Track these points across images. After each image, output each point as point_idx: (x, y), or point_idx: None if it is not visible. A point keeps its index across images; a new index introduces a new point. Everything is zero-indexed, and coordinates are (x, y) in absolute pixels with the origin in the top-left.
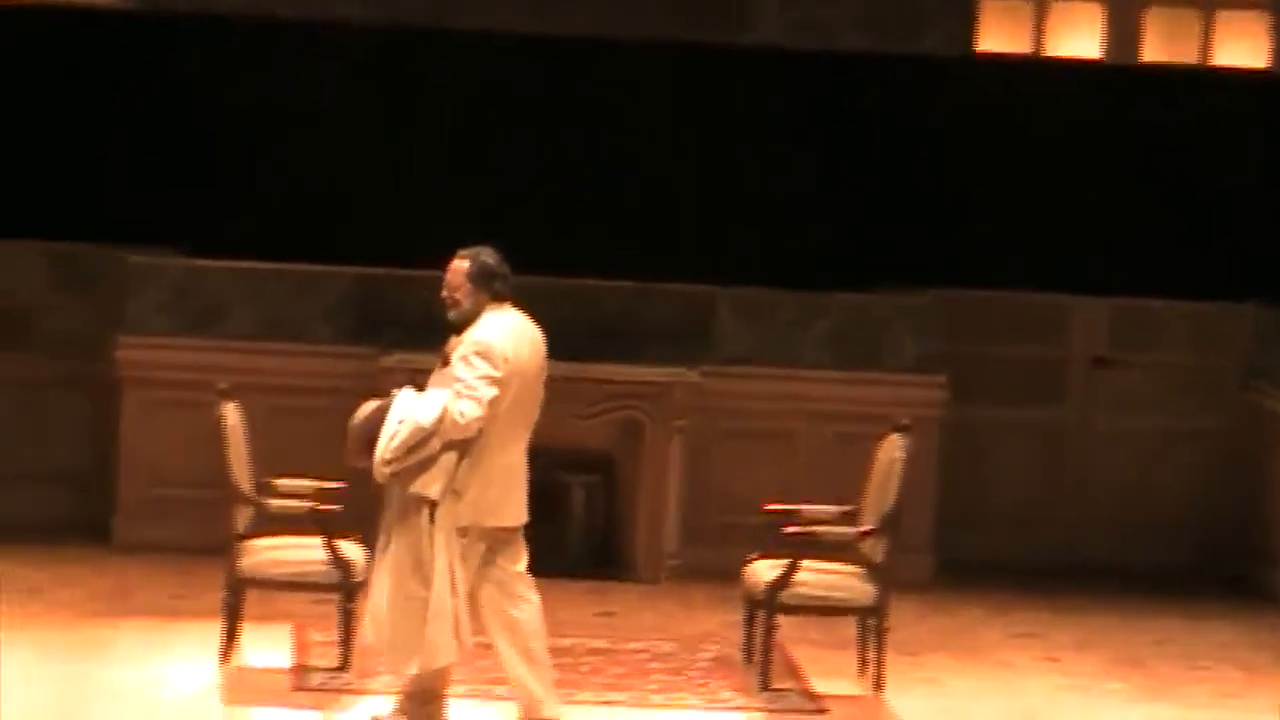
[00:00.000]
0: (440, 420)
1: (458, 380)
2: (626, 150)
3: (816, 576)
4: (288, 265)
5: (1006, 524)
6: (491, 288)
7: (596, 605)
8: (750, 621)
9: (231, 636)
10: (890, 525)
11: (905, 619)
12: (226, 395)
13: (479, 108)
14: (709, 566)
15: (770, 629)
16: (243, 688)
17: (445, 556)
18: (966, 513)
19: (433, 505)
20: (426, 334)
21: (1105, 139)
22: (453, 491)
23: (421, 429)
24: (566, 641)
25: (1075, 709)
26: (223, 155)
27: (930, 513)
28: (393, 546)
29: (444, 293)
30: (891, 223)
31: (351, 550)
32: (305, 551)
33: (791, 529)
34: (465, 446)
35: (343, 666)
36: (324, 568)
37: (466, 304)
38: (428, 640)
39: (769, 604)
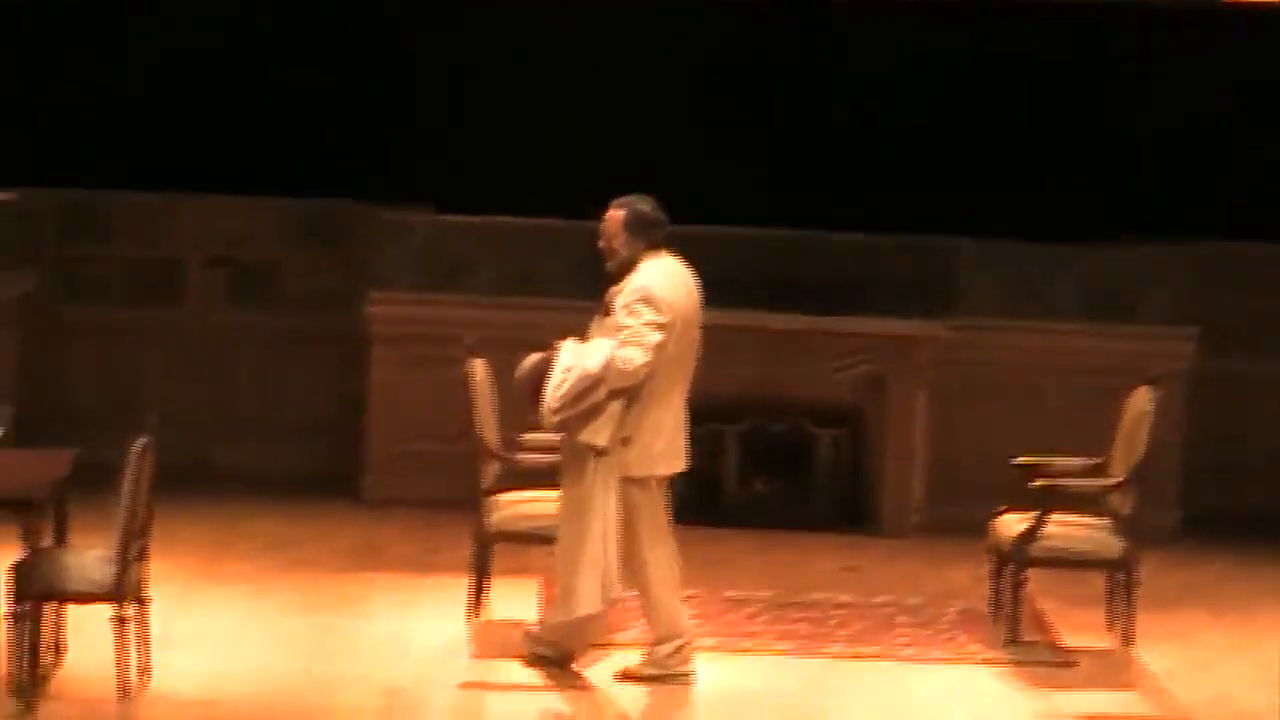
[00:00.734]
0: (607, 368)
1: (622, 328)
2: (874, 103)
3: (1064, 530)
4: (532, 221)
5: (1257, 477)
6: (648, 235)
7: (843, 559)
8: (998, 575)
9: (480, 591)
10: (1139, 478)
11: (1153, 572)
12: (474, 351)
13: (724, 62)
14: (955, 520)
15: (1018, 583)
16: (491, 641)
17: (602, 507)
18: (1216, 466)
19: (600, 453)
20: None
21: None
22: (621, 440)
23: (589, 375)
24: (813, 596)
25: None
26: (469, 114)
27: (1179, 466)
28: (565, 493)
29: (601, 243)
30: (1142, 173)
31: None
32: (553, 505)
33: (1039, 482)
34: (632, 394)
35: None
36: None
37: (624, 253)
38: (576, 589)
39: (1017, 557)
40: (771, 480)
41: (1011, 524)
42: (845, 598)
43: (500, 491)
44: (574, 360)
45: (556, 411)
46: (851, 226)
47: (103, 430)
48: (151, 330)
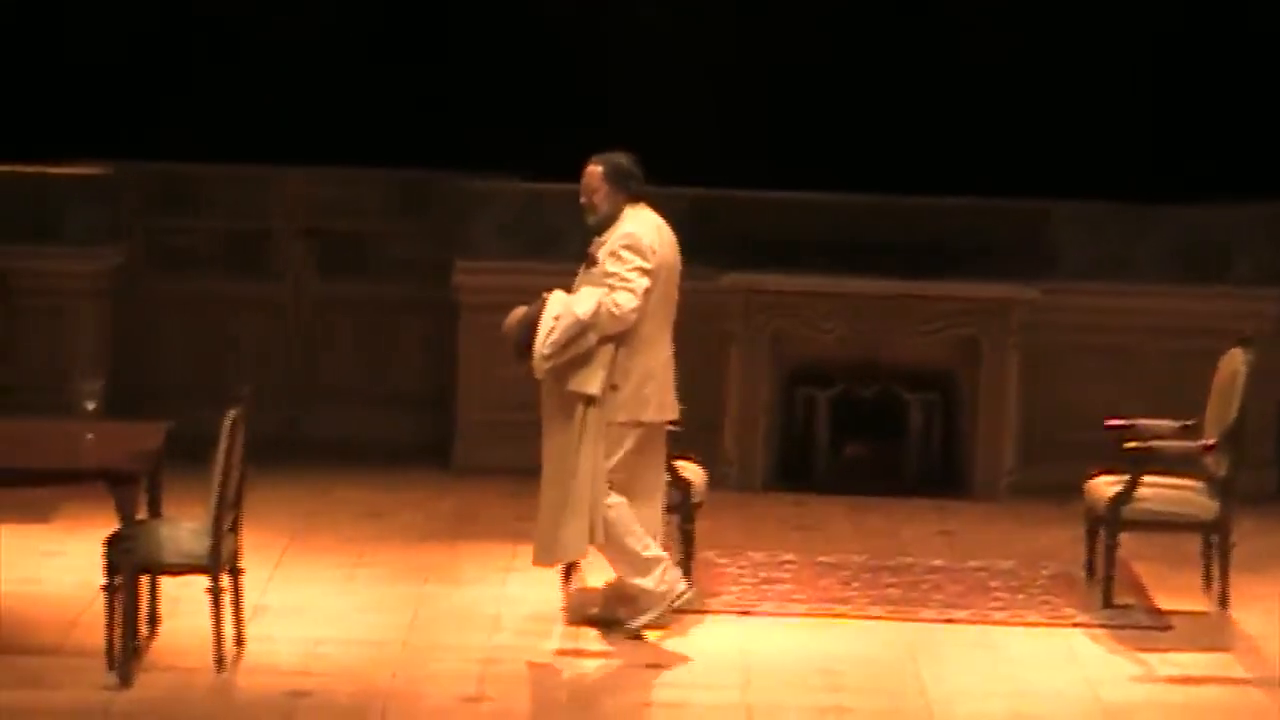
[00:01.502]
0: (596, 313)
1: (609, 275)
2: (966, 64)
3: (1158, 492)
4: None
5: None
6: (628, 187)
7: (935, 523)
8: (1091, 537)
9: None
10: (1233, 439)
11: (1248, 534)
12: None
13: (815, 25)
14: (1048, 483)
15: (1112, 545)
16: (584, 608)
17: (591, 454)
18: None
19: (590, 400)
20: (765, 255)
21: None
22: (611, 386)
23: (579, 322)
24: (906, 560)
25: None
26: (559, 82)
27: (1273, 426)
28: (548, 443)
29: (582, 199)
30: (1233, 132)
31: (691, 470)
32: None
33: (1132, 444)
34: (621, 340)
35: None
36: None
37: (605, 206)
38: (561, 535)
39: (1110, 520)
40: (864, 444)
41: (1105, 486)
42: (938, 562)
43: None
44: (562, 309)
45: (548, 358)
46: (943, 190)
47: (195, 402)
48: (243, 301)
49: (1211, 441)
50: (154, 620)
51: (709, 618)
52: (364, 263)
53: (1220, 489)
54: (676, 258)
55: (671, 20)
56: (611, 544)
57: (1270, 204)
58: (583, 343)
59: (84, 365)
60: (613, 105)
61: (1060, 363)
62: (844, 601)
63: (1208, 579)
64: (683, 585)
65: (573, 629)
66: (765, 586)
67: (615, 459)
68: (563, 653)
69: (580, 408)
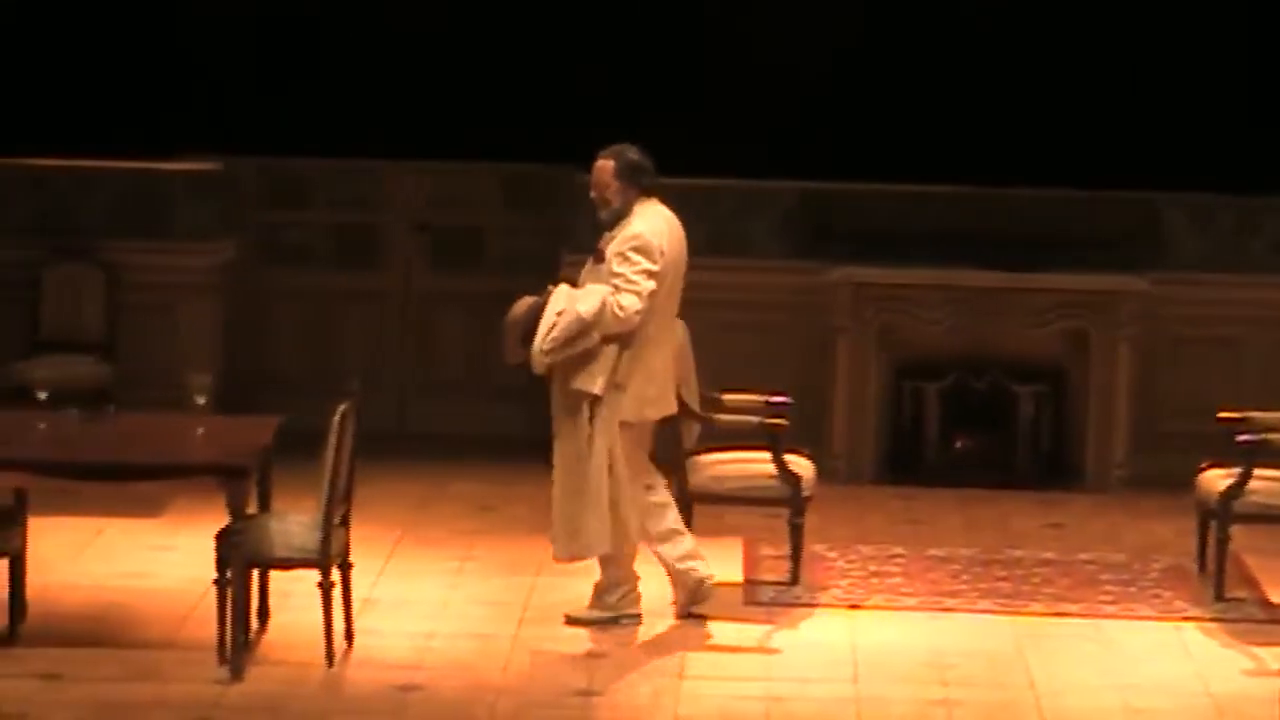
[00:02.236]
0: (599, 313)
1: (615, 275)
2: (1071, 57)
3: (1270, 485)
4: (735, 181)
5: None
6: (639, 182)
7: (1045, 516)
8: (1203, 530)
9: None
10: None
11: None
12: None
13: (930, 25)
14: (1159, 475)
15: (1223, 538)
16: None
17: (604, 450)
18: None
19: (594, 400)
20: (873, 247)
21: None
22: (614, 385)
23: (581, 320)
24: (1016, 553)
25: None
26: (670, 73)
27: None
28: (559, 442)
29: (593, 194)
30: None
31: (800, 464)
32: (754, 466)
33: (1244, 437)
34: (626, 340)
35: (793, 581)
36: (772, 482)
37: (617, 202)
38: (584, 531)
39: (1222, 513)
40: (973, 437)
41: (1216, 479)
42: (1048, 555)
43: (702, 452)
44: (566, 304)
45: (547, 353)
46: (1053, 181)
47: (305, 396)
48: (354, 295)
49: None
50: (264, 614)
51: (818, 611)
52: (474, 256)
53: None
54: (684, 253)
55: (781, 9)
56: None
57: None
58: (585, 341)
59: (195, 360)
60: (718, 97)
61: (1171, 354)
62: (953, 595)
63: None
64: (637, 610)
65: (683, 622)
66: (874, 580)
67: (630, 456)
68: (672, 646)
69: (586, 407)
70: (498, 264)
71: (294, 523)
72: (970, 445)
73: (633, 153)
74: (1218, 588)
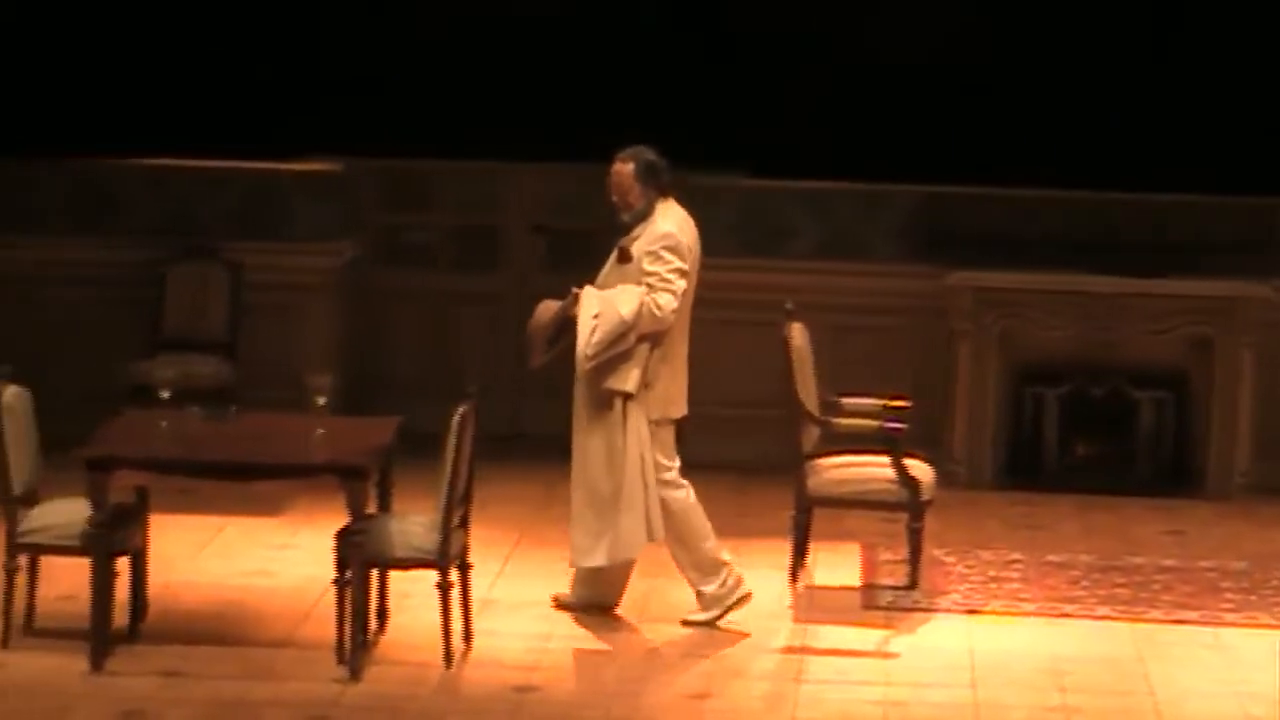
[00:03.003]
0: (638, 314)
1: (648, 275)
2: (1191, 63)
3: None
4: (855, 184)
5: None
6: (659, 182)
7: (1166, 523)
8: None
9: (800, 555)
10: None
11: None
12: (792, 315)
13: (1049, 30)
14: None
15: None
16: (812, 606)
17: (637, 448)
18: None
19: (626, 398)
20: (993, 251)
21: None
22: (645, 384)
23: (624, 322)
24: (1136, 560)
25: None
26: (791, 76)
27: None
28: (584, 443)
29: (614, 198)
30: None
31: (919, 469)
32: (873, 470)
33: None
34: (656, 339)
35: (911, 585)
36: (891, 486)
37: (640, 203)
38: (621, 532)
39: None
40: (1093, 443)
41: None
42: (1169, 561)
43: (820, 456)
44: (602, 307)
45: (592, 358)
46: (1177, 187)
47: (425, 397)
48: (471, 297)
49: None
50: (383, 615)
51: (936, 616)
52: (591, 258)
53: None
54: (699, 253)
55: (907, 12)
56: (682, 543)
57: None
58: (625, 342)
59: (316, 360)
60: (840, 100)
61: None
62: (1072, 601)
63: None
64: (744, 588)
65: (801, 626)
66: (993, 585)
67: (660, 456)
68: (790, 650)
69: (619, 405)
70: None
71: (413, 523)
72: (1090, 451)
73: (650, 154)
74: None
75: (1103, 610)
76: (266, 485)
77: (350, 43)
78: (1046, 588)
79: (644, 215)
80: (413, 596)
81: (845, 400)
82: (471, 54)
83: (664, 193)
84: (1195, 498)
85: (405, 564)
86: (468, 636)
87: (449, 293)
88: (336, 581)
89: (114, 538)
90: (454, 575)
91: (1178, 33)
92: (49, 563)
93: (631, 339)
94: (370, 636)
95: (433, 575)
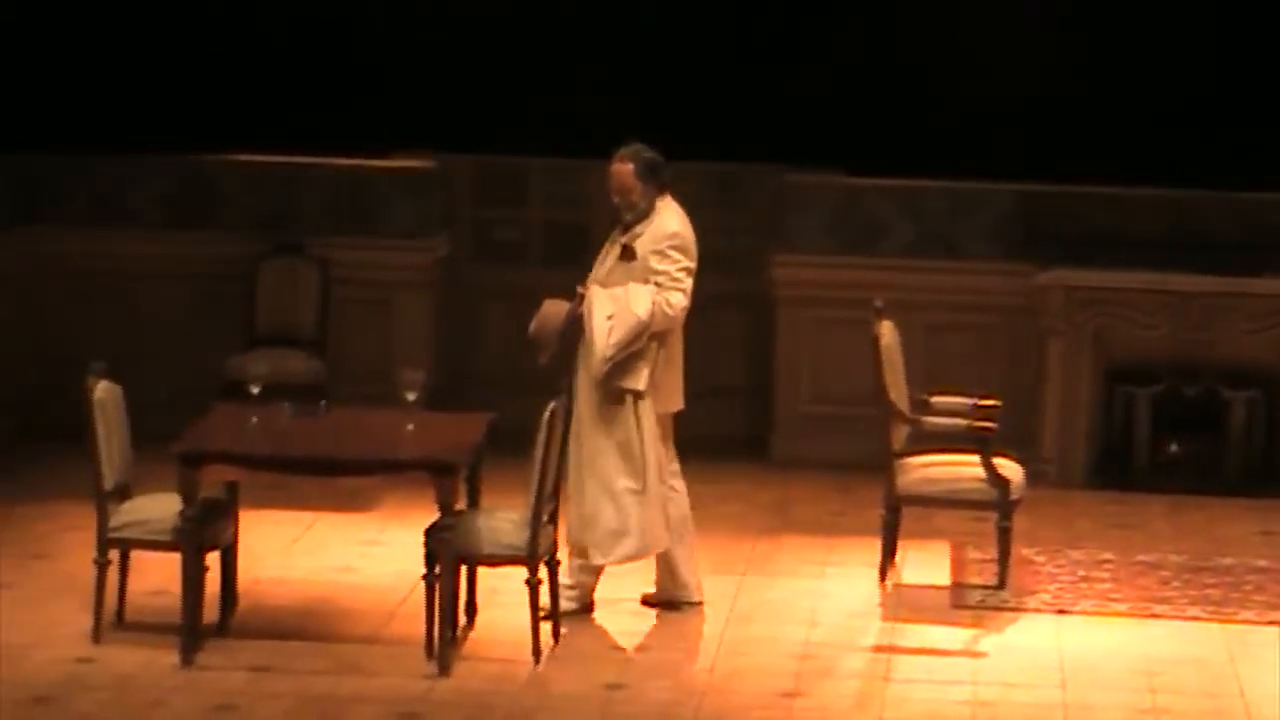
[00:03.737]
0: (653, 313)
1: (658, 273)
2: None
3: None
4: (948, 182)
5: None
6: (660, 179)
7: (1258, 523)
8: None
9: (890, 553)
10: None
11: None
12: (882, 313)
13: (1143, 30)
14: None
15: None
16: (901, 605)
17: (653, 446)
18: None
19: (637, 396)
20: (1085, 250)
21: None
22: (654, 382)
23: (641, 322)
24: (1227, 560)
25: None
26: (885, 74)
27: None
28: (594, 442)
29: (615, 198)
30: None
31: (1009, 468)
32: (962, 469)
33: None
34: (662, 337)
35: (1000, 585)
36: (981, 485)
37: (643, 203)
38: (645, 529)
39: None
40: (1184, 443)
41: None
42: (1261, 562)
43: (910, 454)
44: (615, 308)
45: (611, 359)
46: (1272, 186)
47: (515, 393)
48: (564, 293)
49: None
50: (472, 610)
51: (1025, 616)
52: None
53: None
54: (696, 250)
55: (993, 12)
56: (681, 539)
57: None
58: (640, 342)
59: (407, 356)
60: (934, 98)
61: None
62: (1163, 601)
63: None
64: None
65: (890, 625)
66: (1082, 585)
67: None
68: (879, 649)
69: (630, 403)
70: (707, 263)
71: (503, 519)
72: (1182, 451)
73: (649, 152)
74: None
75: (1193, 611)
76: (356, 481)
77: (445, 39)
78: (1137, 588)
79: (646, 213)
80: (501, 593)
81: (935, 399)
82: (567, 52)
83: (663, 189)
84: None
85: (494, 560)
86: (556, 633)
87: (540, 289)
88: (425, 577)
89: (205, 533)
90: (543, 571)
91: (1263, 29)
92: (140, 557)
93: (645, 338)
94: (459, 633)
95: (521, 571)
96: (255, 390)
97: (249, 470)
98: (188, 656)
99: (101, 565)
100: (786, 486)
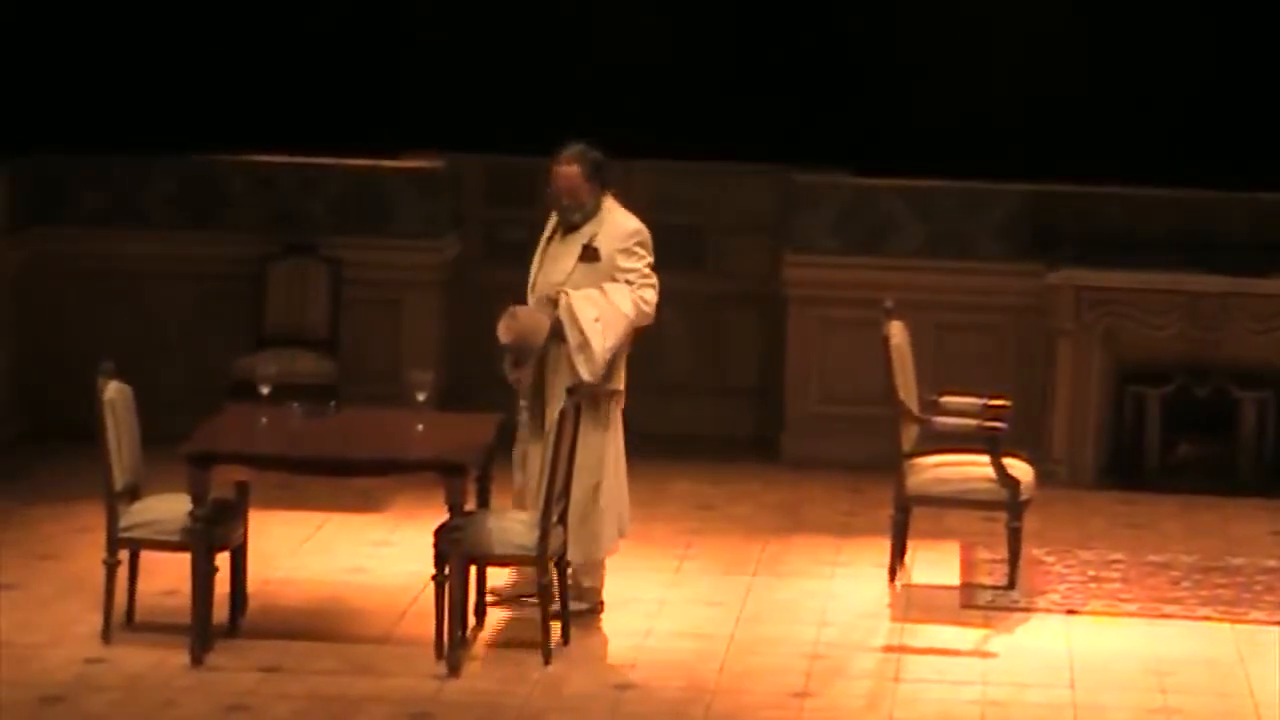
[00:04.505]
0: (635, 311)
1: (627, 271)
2: None
3: None
4: (958, 182)
5: None
6: (604, 178)
7: (1269, 523)
8: None
9: (900, 554)
10: None
11: None
12: (892, 313)
13: (1154, 30)
14: None
15: None
16: (911, 605)
17: (615, 446)
18: None
19: (615, 396)
20: (1096, 250)
21: None
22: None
23: (630, 321)
24: (1238, 560)
25: None
26: (885, 74)
27: None
28: (580, 442)
29: (564, 200)
30: None
31: (1019, 468)
32: (972, 469)
33: None
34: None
35: (1010, 585)
36: (991, 485)
37: (590, 203)
38: (600, 533)
39: None
40: (1195, 443)
41: None
42: (1271, 563)
43: (920, 455)
44: (599, 309)
45: (608, 361)
46: (1278, 185)
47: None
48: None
49: None
50: (482, 611)
51: (1035, 616)
52: (698, 257)
53: None
54: None
55: (1000, 11)
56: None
57: None
58: (625, 340)
59: (417, 356)
60: (944, 97)
61: None
62: (1173, 602)
63: None
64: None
65: (900, 625)
66: (1093, 585)
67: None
68: (890, 649)
69: (607, 402)
70: (720, 264)
71: (513, 520)
72: (1192, 451)
73: (594, 153)
74: None
75: (1204, 611)
76: (366, 481)
77: (452, 38)
78: (1147, 588)
79: (594, 213)
80: None
81: (945, 399)
82: (576, 50)
83: (606, 188)
84: None
85: (504, 561)
86: (566, 633)
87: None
88: (435, 578)
89: (214, 533)
90: (553, 572)
91: (1272, 29)
92: (150, 558)
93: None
94: (469, 633)
95: (531, 572)
96: (265, 390)
97: (259, 470)
98: (197, 657)
99: (111, 565)
100: (796, 487)
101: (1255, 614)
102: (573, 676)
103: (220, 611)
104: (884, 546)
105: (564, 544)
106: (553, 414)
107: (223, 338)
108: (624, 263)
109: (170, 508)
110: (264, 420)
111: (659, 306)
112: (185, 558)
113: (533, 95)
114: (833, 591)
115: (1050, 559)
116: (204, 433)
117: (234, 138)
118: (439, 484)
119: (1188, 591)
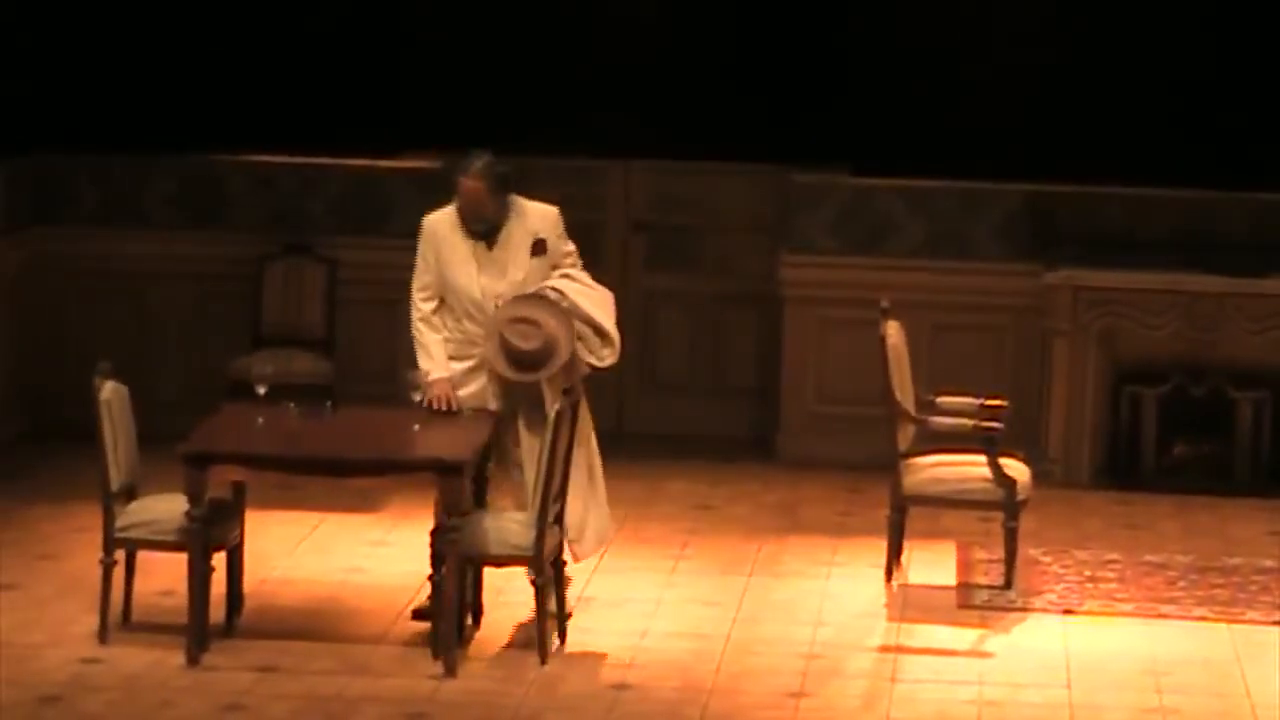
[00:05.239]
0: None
1: (568, 254)
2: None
3: None
4: (957, 182)
5: None
6: (509, 187)
7: (1265, 524)
8: None
9: (896, 554)
10: None
11: None
12: (889, 313)
13: (1159, 31)
14: None
15: None
16: (907, 605)
17: (589, 434)
18: None
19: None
20: (1094, 250)
21: None
22: None
23: (611, 298)
24: (1234, 560)
25: None
26: (884, 73)
27: None
28: (578, 435)
29: (468, 213)
30: None
31: (1015, 468)
32: (969, 469)
33: None
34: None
35: (1007, 585)
36: (987, 485)
37: (497, 213)
38: (602, 521)
39: None
40: (1192, 443)
41: None
42: (1267, 563)
43: (917, 455)
44: (592, 299)
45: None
46: (1276, 186)
47: None
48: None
49: None
50: (478, 611)
51: (1032, 616)
52: (695, 257)
53: None
54: None
55: (1001, 13)
56: None
57: None
58: None
59: (413, 357)
60: (943, 97)
61: None
62: (1170, 602)
63: None
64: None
65: (896, 625)
66: (1089, 585)
67: None
68: (886, 649)
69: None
70: (718, 263)
71: (509, 520)
72: (1189, 451)
73: (499, 165)
74: None
75: (1200, 611)
76: (363, 481)
77: (450, 38)
78: (1144, 588)
79: (504, 218)
80: (508, 593)
81: (942, 399)
82: (575, 49)
83: (509, 193)
84: None
85: (500, 561)
86: (563, 633)
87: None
88: (432, 578)
89: (211, 533)
90: (549, 572)
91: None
92: (146, 558)
93: None
94: (465, 633)
95: (528, 572)
96: (262, 390)
97: (256, 470)
98: (194, 657)
99: (108, 565)
100: (793, 487)
101: (1251, 614)
102: (569, 676)
103: (217, 611)
104: (880, 546)
105: (560, 544)
106: (537, 413)
107: (220, 338)
108: (565, 246)
109: (167, 508)
110: (261, 420)
111: (657, 305)
112: (182, 558)
113: (533, 95)
114: (829, 591)
115: (1047, 559)
116: (201, 433)
117: (234, 138)
118: (436, 484)
119: (1184, 591)
